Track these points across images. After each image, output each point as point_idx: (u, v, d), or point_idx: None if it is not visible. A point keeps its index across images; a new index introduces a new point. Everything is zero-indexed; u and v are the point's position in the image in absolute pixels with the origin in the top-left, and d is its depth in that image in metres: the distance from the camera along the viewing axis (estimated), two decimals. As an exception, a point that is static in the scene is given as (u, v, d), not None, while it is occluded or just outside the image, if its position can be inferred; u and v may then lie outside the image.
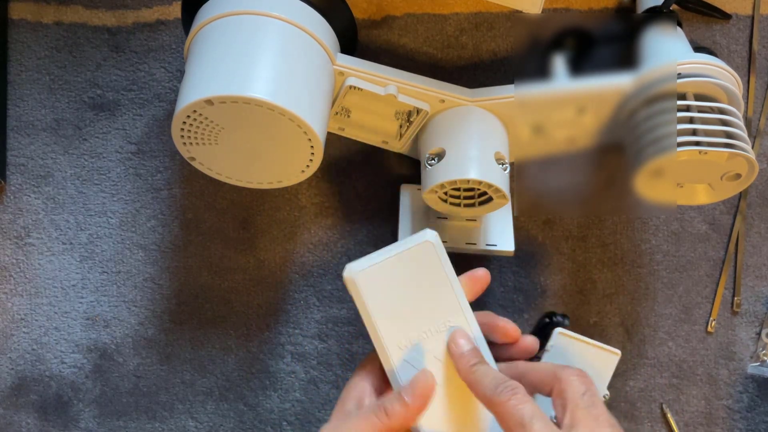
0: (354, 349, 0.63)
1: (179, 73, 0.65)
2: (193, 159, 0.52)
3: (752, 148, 0.64)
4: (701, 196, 0.54)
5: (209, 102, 0.47)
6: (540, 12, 0.56)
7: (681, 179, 0.53)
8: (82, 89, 0.65)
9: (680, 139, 0.49)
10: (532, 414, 0.39)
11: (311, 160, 0.51)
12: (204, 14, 0.52)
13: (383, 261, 0.42)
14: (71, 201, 0.64)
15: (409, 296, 0.42)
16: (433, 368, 0.42)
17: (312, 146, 0.50)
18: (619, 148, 0.55)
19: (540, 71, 0.53)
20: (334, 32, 0.54)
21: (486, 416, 0.42)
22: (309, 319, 0.63)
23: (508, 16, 0.65)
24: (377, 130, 0.58)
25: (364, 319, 0.42)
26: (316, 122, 0.49)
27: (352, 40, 0.57)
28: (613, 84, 0.52)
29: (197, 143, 0.50)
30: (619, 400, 0.63)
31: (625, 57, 0.53)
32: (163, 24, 0.65)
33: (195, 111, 0.48)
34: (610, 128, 0.54)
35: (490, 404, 0.40)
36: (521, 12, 0.64)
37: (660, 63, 0.52)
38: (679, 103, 0.51)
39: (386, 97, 0.54)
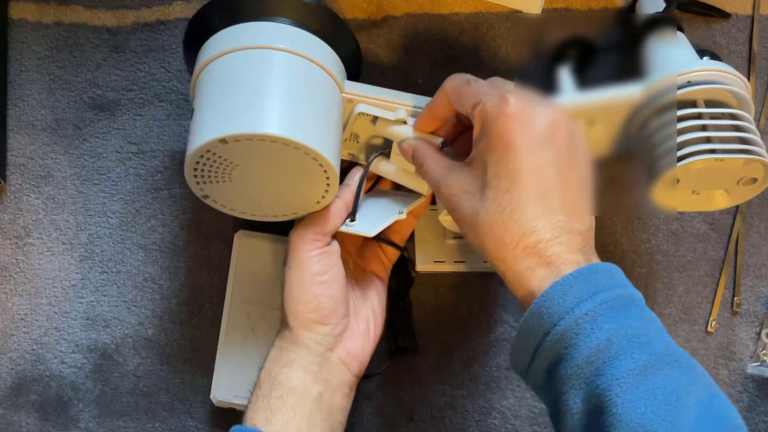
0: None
1: (179, 73, 0.65)
2: (206, 197, 0.51)
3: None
4: (718, 201, 0.54)
5: (223, 141, 0.46)
6: (540, 12, 0.56)
7: (697, 187, 0.52)
8: (82, 89, 0.65)
9: (695, 148, 0.49)
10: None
11: (327, 191, 0.51)
12: (208, 51, 0.51)
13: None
14: (71, 201, 0.64)
15: None
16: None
17: (328, 177, 0.50)
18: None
19: (546, 85, 0.52)
20: (339, 60, 0.54)
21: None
22: (309, 319, 0.63)
23: (508, 16, 0.65)
24: (406, 183, 0.57)
25: None
26: (331, 153, 0.49)
27: (357, 65, 0.57)
28: (623, 95, 0.52)
29: (210, 182, 0.50)
30: (619, 400, 0.63)
31: (631, 66, 0.53)
32: (163, 24, 0.65)
33: (208, 151, 0.47)
34: (622, 139, 0.54)
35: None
36: (521, 12, 0.64)
37: (667, 71, 0.51)
38: (691, 111, 0.50)
39: (396, 122, 0.54)
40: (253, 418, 0.51)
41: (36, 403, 0.63)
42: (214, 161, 0.48)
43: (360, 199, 0.55)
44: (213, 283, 0.63)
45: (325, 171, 0.49)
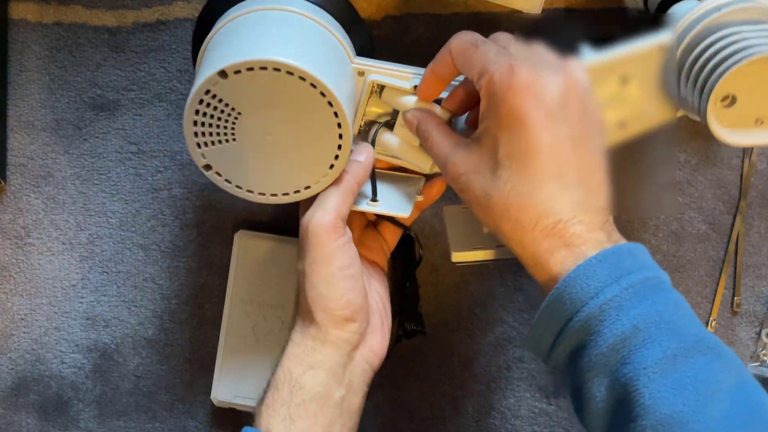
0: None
1: (179, 73, 0.64)
2: (209, 168, 0.48)
3: (752, 148, 0.64)
4: None
5: (222, 74, 0.43)
6: (540, 12, 0.56)
7: (757, 107, 0.49)
8: (82, 89, 0.64)
9: (743, 53, 0.47)
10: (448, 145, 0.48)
11: (340, 147, 0.47)
12: (215, 27, 0.49)
13: None
14: (71, 201, 0.64)
15: None
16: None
17: (339, 124, 0.46)
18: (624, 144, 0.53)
19: (566, 54, 0.50)
20: (350, 39, 0.52)
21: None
22: (309, 319, 0.63)
23: (508, 16, 0.65)
24: (409, 157, 0.55)
25: None
26: (341, 93, 0.45)
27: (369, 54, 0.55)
28: (654, 41, 0.49)
29: (212, 142, 0.46)
30: (619, 400, 0.63)
31: (654, 25, 0.51)
32: (163, 24, 0.65)
33: (208, 92, 0.44)
34: (660, 89, 0.51)
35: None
36: (521, 12, 0.64)
37: (692, 8, 0.49)
38: (729, 30, 0.48)
39: (408, 92, 0.52)
40: (269, 424, 0.48)
41: (36, 403, 0.63)
42: (215, 108, 0.45)
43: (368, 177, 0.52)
44: (213, 283, 0.63)
45: (336, 114, 0.45)
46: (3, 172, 0.64)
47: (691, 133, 0.62)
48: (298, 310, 0.52)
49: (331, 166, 0.48)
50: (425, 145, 0.50)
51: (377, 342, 0.53)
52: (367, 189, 0.53)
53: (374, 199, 0.52)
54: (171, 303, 0.64)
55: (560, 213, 0.42)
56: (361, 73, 0.51)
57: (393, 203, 0.53)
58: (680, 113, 0.54)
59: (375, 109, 0.54)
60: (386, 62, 0.52)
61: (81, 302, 0.64)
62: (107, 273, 0.64)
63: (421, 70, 0.52)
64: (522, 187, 0.43)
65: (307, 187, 0.49)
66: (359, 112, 0.52)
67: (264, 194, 0.49)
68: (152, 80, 0.65)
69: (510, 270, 0.63)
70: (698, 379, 0.38)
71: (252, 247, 0.61)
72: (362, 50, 0.53)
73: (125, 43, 0.65)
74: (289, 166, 0.48)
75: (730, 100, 0.49)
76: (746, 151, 0.63)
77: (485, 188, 0.44)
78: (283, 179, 0.49)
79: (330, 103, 0.45)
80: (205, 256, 0.64)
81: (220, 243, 0.64)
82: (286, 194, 0.49)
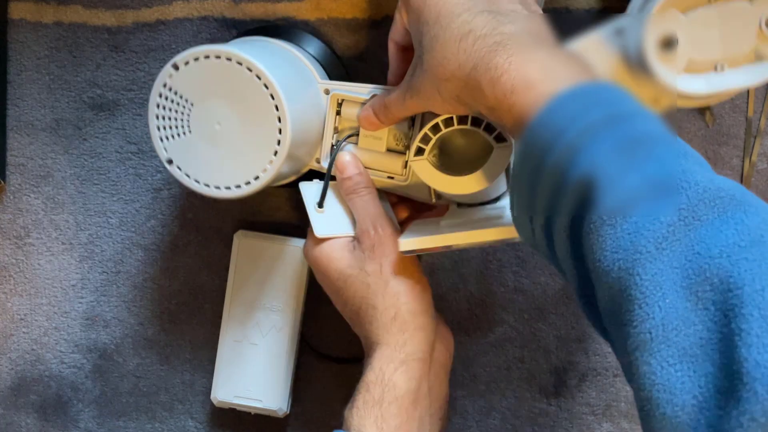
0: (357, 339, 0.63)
1: (179, 73, 0.65)
2: (171, 162, 0.51)
3: (752, 148, 0.64)
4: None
5: (175, 66, 0.49)
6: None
7: (711, 51, 0.46)
8: (82, 89, 0.64)
9: None
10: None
11: (280, 129, 0.49)
12: None
13: None
14: (71, 201, 0.64)
15: None
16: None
17: (276, 105, 0.49)
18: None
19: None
20: (322, 68, 0.56)
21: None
22: (309, 318, 0.63)
23: (508, 16, 0.65)
24: (379, 166, 0.55)
25: None
26: (283, 85, 0.49)
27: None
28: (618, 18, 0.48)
29: (172, 135, 0.51)
30: (619, 401, 0.63)
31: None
32: (163, 24, 0.65)
33: (165, 85, 0.50)
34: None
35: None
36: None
37: None
38: None
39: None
40: (360, 426, 0.47)
41: (36, 403, 0.63)
42: (172, 100, 0.50)
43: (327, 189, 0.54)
44: (213, 283, 0.63)
45: (272, 96, 0.48)
46: (3, 172, 0.64)
47: (691, 133, 0.62)
48: (373, 317, 0.51)
49: (275, 153, 0.50)
50: (392, 115, 0.50)
51: (443, 322, 0.55)
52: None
53: (320, 206, 0.54)
54: (171, 303, 0.64)
55: (478, 30, 0.41)
56: (327, 92, 0.54)
57: (330, 221, 0.54)
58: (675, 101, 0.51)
59: (347, 127, 0.55)
60: (351, 82, 0.55)
61: (81, 302, 0.64)
62: (107, 273, 0.64)
63: (381, 87, 0.54)
64: (434, 43, 0.42)
65: (257, 177, 0.50)
66: (328, 126, 0.54)
67: (219, 187, 0.51)
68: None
69: (510, 270, 0.63)
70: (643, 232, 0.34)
71: (252, 247, 0.61)
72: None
73: (125, 43, 0.65)
74: (238, 156, 0.51)
75: (671, 43, 0.46)
76: (746, 151, 0.63)
77: (417, 76, 0.45)
78: (234, 170, 0.51)
79: (266, 86, 0.49)
80: (205, 256, 0.64)
81: (219, 243, 0.64)
82: (239, 186, 0.51)
